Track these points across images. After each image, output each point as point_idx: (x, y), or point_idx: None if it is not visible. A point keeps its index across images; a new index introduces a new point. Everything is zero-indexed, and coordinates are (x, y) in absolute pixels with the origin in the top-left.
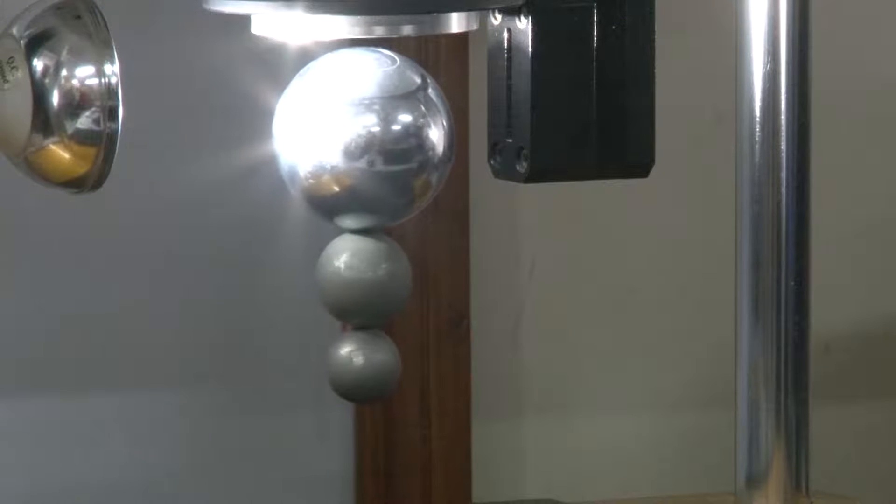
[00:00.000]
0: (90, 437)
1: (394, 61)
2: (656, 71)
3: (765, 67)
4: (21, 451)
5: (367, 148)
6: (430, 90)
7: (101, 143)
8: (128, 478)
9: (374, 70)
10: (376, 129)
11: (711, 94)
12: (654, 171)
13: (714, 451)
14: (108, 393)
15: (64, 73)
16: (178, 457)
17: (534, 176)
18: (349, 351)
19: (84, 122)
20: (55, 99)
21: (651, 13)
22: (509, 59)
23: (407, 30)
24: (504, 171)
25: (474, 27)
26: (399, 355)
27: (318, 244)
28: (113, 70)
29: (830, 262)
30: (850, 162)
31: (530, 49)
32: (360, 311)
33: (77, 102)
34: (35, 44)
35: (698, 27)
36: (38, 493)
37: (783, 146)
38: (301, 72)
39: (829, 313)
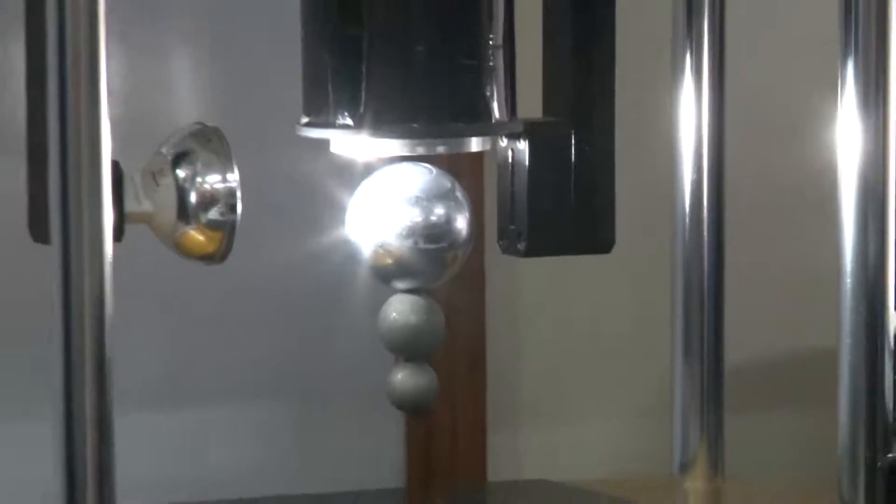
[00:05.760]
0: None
1: (432, 171)
2: (618, 172)
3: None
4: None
5: (414, 232)
6: (457, 192)
7: (226, 228)
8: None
9: (418, 177)
10: (419, 218)
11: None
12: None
13: None
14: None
15: (199, 179)
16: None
17: (529, 252)
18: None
19: (213, 214)
20: (193, 198)
21: (611, 137)
22: (512, 170)
23: (441, 149)
24: (509, 249)
25: (487, 147)
26: (437, 380)
27: (377, 301)
28: (233, 178)
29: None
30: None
31: (527, 163)
32: (408, 348)
33: (208, 200)
34: (178, 159)
35: (646, 145)
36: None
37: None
38: (367, 179)
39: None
